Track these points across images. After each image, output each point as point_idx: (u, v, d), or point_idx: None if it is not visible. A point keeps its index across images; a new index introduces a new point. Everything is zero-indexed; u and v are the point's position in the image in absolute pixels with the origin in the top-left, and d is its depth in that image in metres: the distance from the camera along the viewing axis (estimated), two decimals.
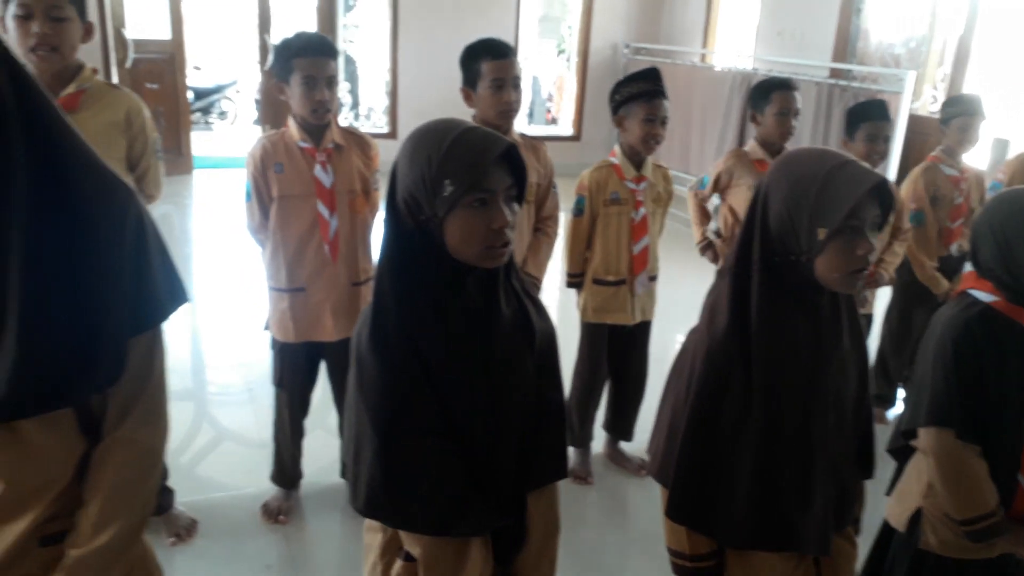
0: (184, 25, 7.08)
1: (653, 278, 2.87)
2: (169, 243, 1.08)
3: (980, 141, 3.28)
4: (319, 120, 2.26)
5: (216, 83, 10.27)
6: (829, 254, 1.24)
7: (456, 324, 1.22)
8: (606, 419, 3.06)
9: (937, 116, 3.67)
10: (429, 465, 1.23)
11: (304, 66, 2.18)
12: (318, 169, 2.30)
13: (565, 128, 9.38)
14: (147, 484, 1.08)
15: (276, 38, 7.14)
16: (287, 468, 2.61)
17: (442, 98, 5.31)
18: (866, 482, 1.49)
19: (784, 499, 1.33)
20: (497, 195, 1.18)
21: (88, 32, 2.02)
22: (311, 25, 7.45)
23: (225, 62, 11.12)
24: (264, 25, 7.24)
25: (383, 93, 8.54)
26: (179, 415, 2.90)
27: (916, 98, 5.63)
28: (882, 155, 2.90)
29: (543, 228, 2.69)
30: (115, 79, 6.50)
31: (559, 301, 4.45)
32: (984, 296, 1.58)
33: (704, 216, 3.15)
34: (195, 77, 9.36)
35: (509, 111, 2.41)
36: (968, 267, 1.68)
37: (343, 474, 2.62)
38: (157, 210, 1.96)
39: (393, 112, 7.78)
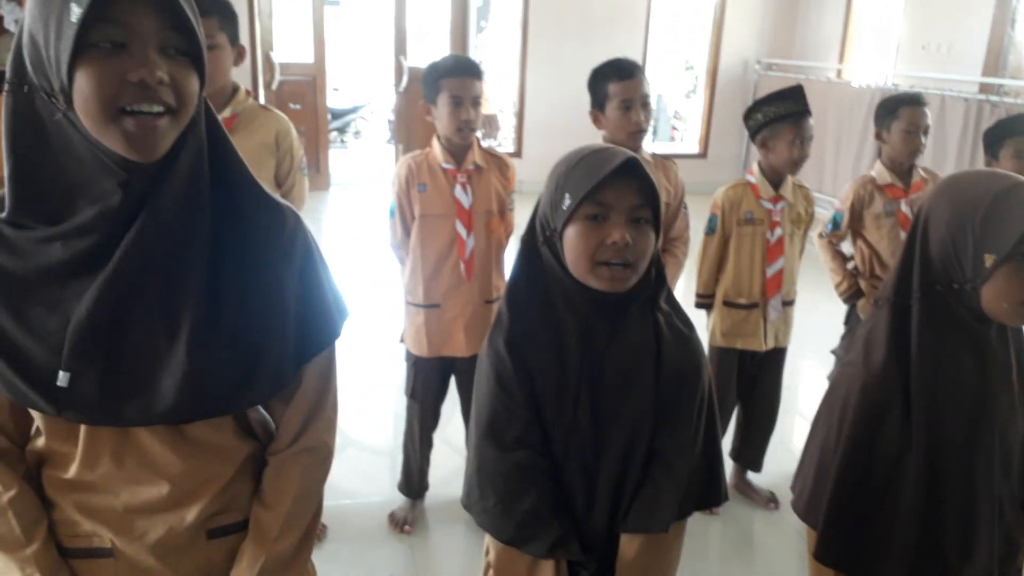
0: (326, 48, 7.48)
1: (789, 303, 2.76)
2: None
3: None
4: (464, 139, 2.34)
5: (352, 104, 10.77)
6: (997, 282, 1.18)
7: (568, 344, 1.23)
8: (733, 448, 2.96)
9: None
10: (511, 475, 1.24)
11: (451, 86, 2.26)
12: (458, 189, 2.37)
13: (691, 146, 9.24)
14: (322, 487, 1.17)
15: (411, 60, 7.43)
16: (414, 479, 2.67)
17: (568, 118, 5.35)
18: None
19: (946, 544, 1.25)
20: (615, 211, 1.18)
21: (240, 55, 2.13)
22: (444, 48, 7.69)
23: (360, 83, 11.66)
24: (400, 48, 7.54)
25: (511, 114, 8.69)
26: None
27: None
28: None
29: (671, 249, 2.65)
30: (262, 99, 6.94)
31: None
32: None
33: (842, 259, 2.95)
34: (333, 98, 9.85)
35: (638, 131, 2.40)
36: None
37: None
38: None
39: (519, 132, 7.90)
